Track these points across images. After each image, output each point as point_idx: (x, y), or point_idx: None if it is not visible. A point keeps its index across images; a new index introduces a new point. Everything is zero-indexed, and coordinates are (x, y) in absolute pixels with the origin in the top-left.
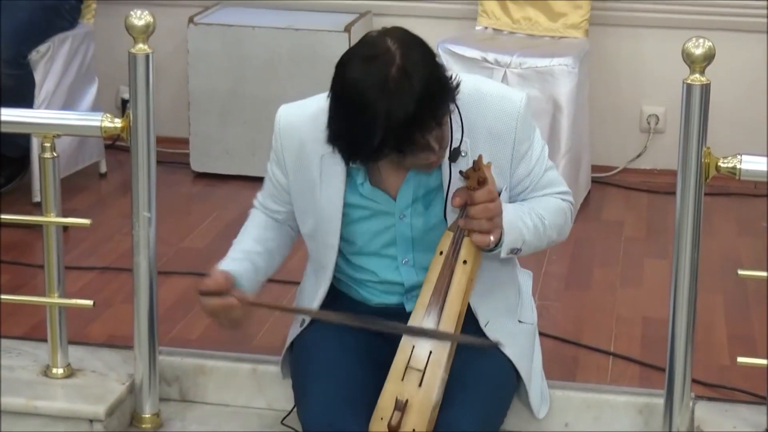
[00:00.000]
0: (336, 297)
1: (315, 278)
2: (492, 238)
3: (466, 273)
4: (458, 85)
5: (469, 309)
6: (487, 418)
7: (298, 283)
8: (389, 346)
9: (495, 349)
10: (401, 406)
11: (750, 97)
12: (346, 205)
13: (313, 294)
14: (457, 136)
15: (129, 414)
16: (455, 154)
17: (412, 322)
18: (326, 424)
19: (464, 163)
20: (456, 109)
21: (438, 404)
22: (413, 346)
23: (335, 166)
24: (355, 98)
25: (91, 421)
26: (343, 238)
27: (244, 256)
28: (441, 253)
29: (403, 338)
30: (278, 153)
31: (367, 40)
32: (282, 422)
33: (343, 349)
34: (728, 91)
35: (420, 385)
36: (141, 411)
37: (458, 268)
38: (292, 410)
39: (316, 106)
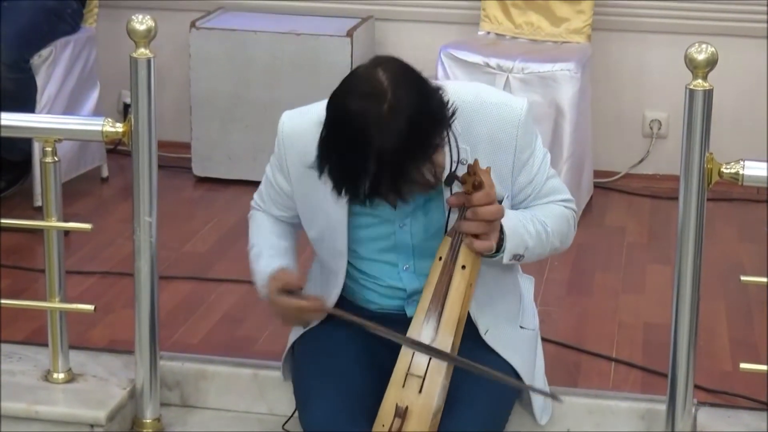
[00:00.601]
0: (340, 301)
1: (324, 282)
2: (493, 242)
3: (465, 278)
4: (454, 113)
5: (469, 317)
6: (488, 425)
7: None
8: (391, 351)
9: (531, 389)
10: (401, 413)
11: (752, 103)
12: (351, 212)
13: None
14: (454, 158)
15: (130, 419)
16: (451, 179)
17: (412, 327)
18: (327, 429)
19: (464, 171)
20: (452, 134)
21: (439, 411)
22: (413, 353)
23: None
24: (347, 135)
25: (92, 426)
26: (348, 244)
27: (280, 252)
28: (440, 258)
29: (402, 345)
30: (281, 160)
31: (359, 74)
32: (283, 427)
33: (344, 354)
34: (731, 97)
35: (420, 391)
36: (142, 416)
37: (457, 273)
38: (292, 415)
39: (320, 112)
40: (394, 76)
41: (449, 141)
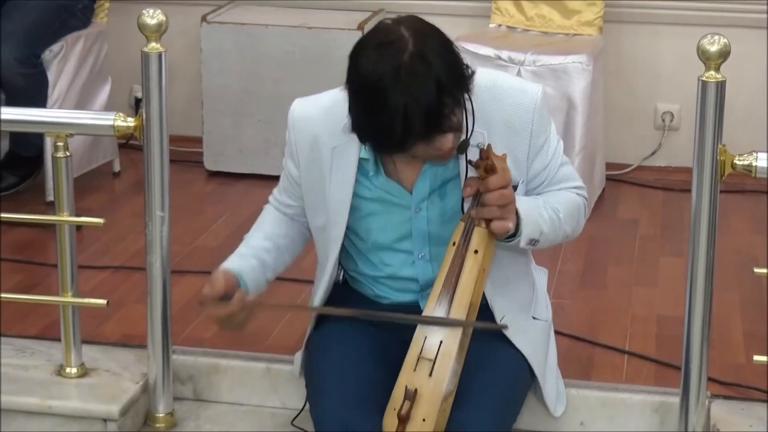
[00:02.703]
0: (351, 295)
1: (319, 273)
2: (511, 224)
3: (478, 262)
4: (473, 73)
5: (485, 304)
6: (500, 416)
7: (312, 282)
8: (403, 345)
9: (504, 329)
10: (411, 396)
11: (765, 94)
12: (360, 198)
13: (315, 289)
14: (468, 128)
15: (143, 413)
16: (463, 146)
17: (424, 311)
18: (339, 424)
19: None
20: (469, 101)
21: (450, 395)
22: (425, 337)
23: (346, 159)
24: (372, 88)
25: (105, 420)
26: (357, 233)
27: (252, 253)
28: (453, 243)
29: (416, 330)
30: (291, 146)
31: (380, 28)
32: (292, 423)
33: (357, 349)
34: (744, 89)
35: (430, 374)
36: (155, 410)
37: (469, 257)
38: (302, 410)
39: (330, 99)
40: (415, 27)
41: (465, 110)
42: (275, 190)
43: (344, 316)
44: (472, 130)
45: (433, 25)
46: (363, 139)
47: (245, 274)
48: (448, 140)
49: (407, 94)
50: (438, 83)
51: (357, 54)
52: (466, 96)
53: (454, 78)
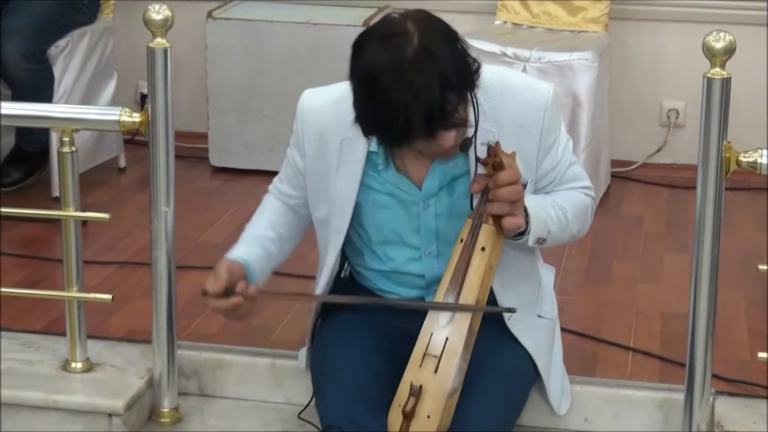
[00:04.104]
0: (355, 290)
1: (319, 266)
2: (521, 220)
3: (485, 259)
4: (479, 68)
5: (492, 300)
6: (504, 413)
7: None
8: (409, 340)
9: (512, 312)
10: (416, 392)
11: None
12: (368, 192)
13: (317, 283)
14: (471, 127)
15: (148, 408)
16: (466, 144)
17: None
18: (345, 419)
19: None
20: (474, 97)
21: (455, 392)
22: (431, 334)
23: (355, 151)
24: (373, 81)
25: (110, 415)
26: (365, 227)
27: (256, 242)
28: (461, 240)
29: (423, 326)
30: (299, 136)
31: (385, 20)
32: (299, 416)
33: (363, 343)
34: (748, 86)
35: (436, 371)
36: (160, 405)
37: (476, 254)
38: (308, 404)
39: (341, 90)
40: (420, 20)
41: (473, 106)
42: (276, 180)
43: (350, 309)
44: (477, 128)
45: (441, 20)
46: (365, 130)
47: (252, 263)
48: (449, 137)
49: (409, 89)
50: (442, 79)
51: (360, 45)
52: (472, 93)
53: (459, 75)
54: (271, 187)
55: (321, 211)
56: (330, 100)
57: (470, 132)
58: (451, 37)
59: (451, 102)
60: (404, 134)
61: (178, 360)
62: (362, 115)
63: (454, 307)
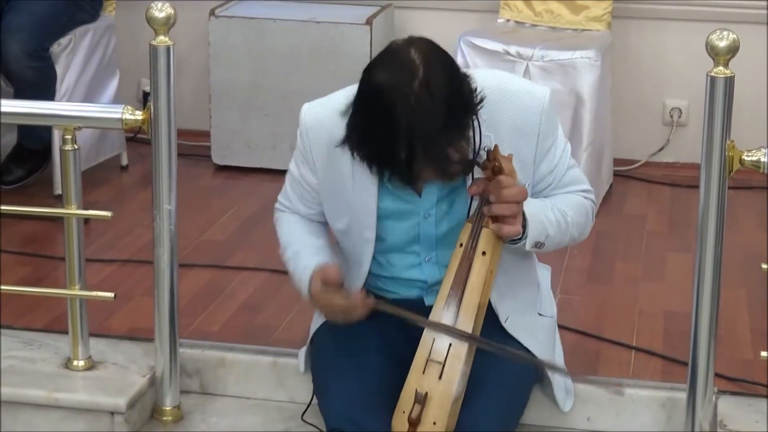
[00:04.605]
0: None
1: (348, 274)
2: (519, 227)
3: (486, 264)
4: (482, 100)
5: (489, 305)
6: (507, 414)
7: None
8: (411, 342)
9: (564, 374)
10: (421, 399)
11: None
12: (379, 201)
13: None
14: (477, 145)
15: (150, 407)
16: (469, 167)
17: (433, 314)
18: (349, 421)
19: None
20: (476, 121)
21: (459, 397)
22: (434, 339)
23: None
24: (379, 110)
25: (112, 413)
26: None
27: (321, 250)
28: (461, 245)
29: (424, 331)
30: (306, 153)
31: (392, 50)
32: (302, 418)
33: (363, 345)
34: (752, 85)
35: (440, 377)
36: (162, 403)
37: (477, 259)
38: (310, 404)
39: (341, 100)
40: (426, 55)
41: (474, 129)
42: (284, 201)
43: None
44: (478, 151)
45: (443, 50)
46: (364, 157)
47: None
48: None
49: (414, 119)
50: (446, 111)
51: (368, 76)
52: (474, 118)
53: (461, 106)
54: (278, 206)
55: (342, 222)
56: (332, 112)
57: (472, 146)
58: (453, 68)
59: (456, 136)
60: (408, 165)
61: (180, 358)
62: (363, 144)
63: (478, 342)
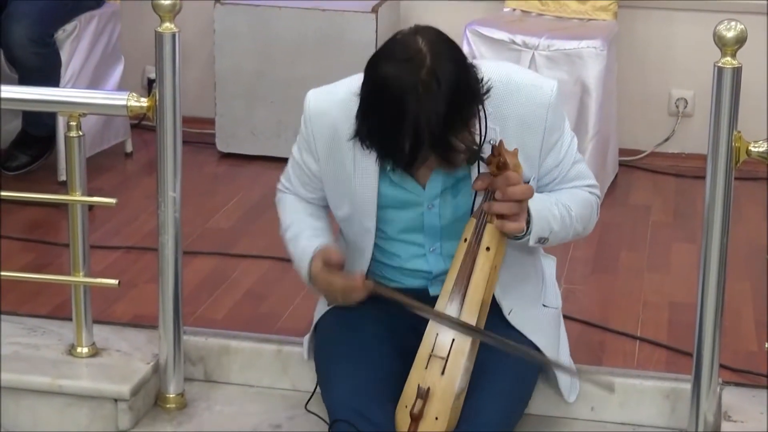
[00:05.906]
0: None
1: (351, 261)
2: (523, 224)
3: (489, 259)
4: (489, 90)
5: (493, 299)
6: (509, 409)
7: None
8: (415, 332)
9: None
10: (423, 394)
11: None
12: (379, 192)
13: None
14: (479, 139)
15: (153, 394)
16: (474, 157)
17: (436, 308)
18: (353, 411)
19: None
20: (482, 111)
21: (462, 392)
22: (437, 334)
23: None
24: (384, 100)
25: (115, 400)
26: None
27: (321, 232)
28: (465, 240)
29: (428, 326)
30: (309, 139)
31: (398, 39)
32: (306, 407)
33: (367, 334)
34: (759, 75)
35: (443, 373)
36: (166, 391)
37: (481, 254)
38: (313, 394)
39: (346, 89)
40: (433, 44)
41: (480, 120)
42: (285, 182)
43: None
44: (484, 140)
45: (450, 39)
46: (371, 144)
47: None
48: (459, 159)
49: (421, 108)
50: (452, 99)
51: (374, 66)
52: (480, 108)
53: (468, 94)
54: (280, 186)
55: (343, 210)
56: (337, 100)
57: (478, 138)
58: (460, 57)
59: (461, 126)
60: (414, 154)
61: (184, 346)
62: (369, 133)
63: (481, 335)
